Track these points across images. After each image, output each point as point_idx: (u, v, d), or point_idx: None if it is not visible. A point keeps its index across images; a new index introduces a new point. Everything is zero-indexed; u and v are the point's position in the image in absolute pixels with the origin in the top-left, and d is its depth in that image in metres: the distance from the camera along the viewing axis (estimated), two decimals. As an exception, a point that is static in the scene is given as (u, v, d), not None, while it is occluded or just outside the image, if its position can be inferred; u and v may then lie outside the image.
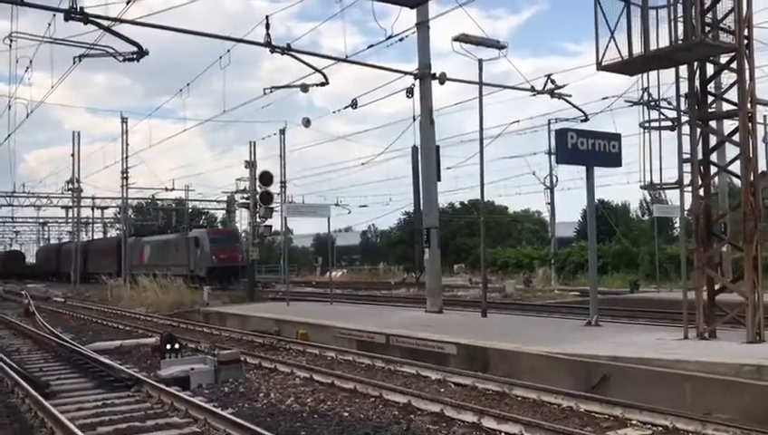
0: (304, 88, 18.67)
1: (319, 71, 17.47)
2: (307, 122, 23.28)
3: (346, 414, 8.72)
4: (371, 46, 17.11)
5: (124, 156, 40.48)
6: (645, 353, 9.69)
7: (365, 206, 33.25)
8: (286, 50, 16.72)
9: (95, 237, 64.40)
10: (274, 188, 29.85)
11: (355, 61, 17.82)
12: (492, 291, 22.86)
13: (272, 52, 16.59)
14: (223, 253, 38.71)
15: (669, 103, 18.30)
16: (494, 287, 30.30)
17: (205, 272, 37.67)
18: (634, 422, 7.76)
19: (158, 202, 57.37)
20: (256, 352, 13.88)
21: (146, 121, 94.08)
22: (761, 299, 10.48)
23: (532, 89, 20.09)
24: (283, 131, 38.32)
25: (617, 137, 13.85)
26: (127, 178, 41.27)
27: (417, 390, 9.84)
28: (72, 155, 43.77)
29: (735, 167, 11.06)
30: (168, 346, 12.08)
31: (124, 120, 40.34)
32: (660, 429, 7.48)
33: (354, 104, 19.58)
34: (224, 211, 55.42)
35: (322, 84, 17.74)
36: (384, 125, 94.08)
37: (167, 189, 48.93)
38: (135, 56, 15.39)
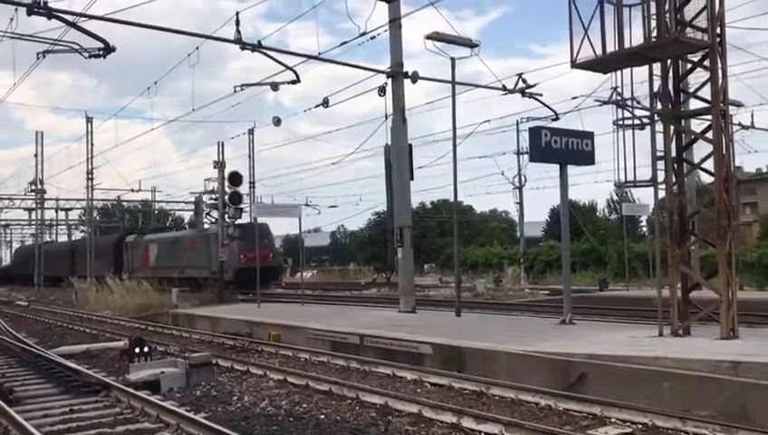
0: (275, 86, 18.42)
1: (290, 68, 17.25)
2: (277, 121, 23.00)
3: (322, 417, 8.54)
4: (344, 43, 16.97)
5: (89, 156, 39.63)
6: (621, 351, 9.68)
7: (335, 206, 33.05)
8: (257, 47, 16.48)
9: (81, 237, 58.87)
10: (243, 189, 29.50)
11: (327, 59, 17.67)
12: (463, 290, 22.82)
13: (242, 49, 16.34)
14: (252, 251, 31.86)
15: (639, 102, 18.50)
16: (464, 287, 30.30)
17: (231, 274, 32.05)
18: (613, 420, 7.72)
19: (124, 203, 56.37)
20: (228, 355, 13.62)
21: (112, 121, 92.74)
22: (734, 296, 10.55)
23: (504, 88, 20.12)
24: (251, 131, 37.95)
25: (590, 135, 13.90)
26: (92, 178, 40.41)
27: (394, 390, 9.71)
28: (36, 155, 42.82)
29: (708, 164, 11.12)
30: (137, 350, 11.75)
31: (89, 120, 39.52)
32: (640, 426, 7.45)
33: (326, 103, 19.39)
34: (191, 212, 54.67)
35: (294, 82, 17.52)
36: (354, 125, 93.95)
37: (133, 190, 48.11)
38: (101, 53, 15.00)
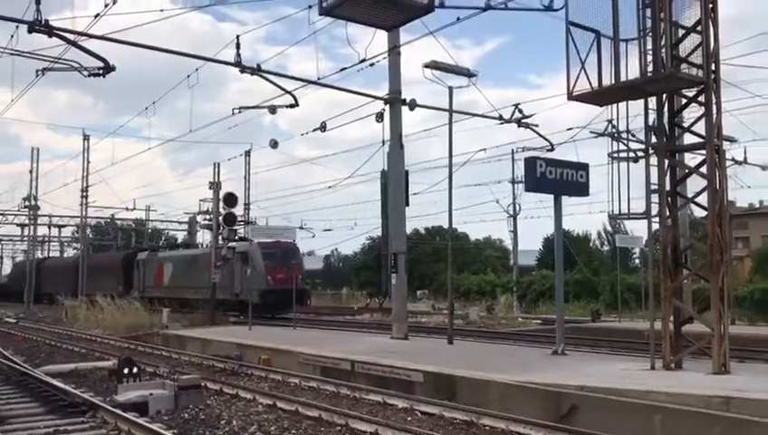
0: (273, 109, 18.51)
1: (289, 92, 17.34)
2: (274, 144, 23.06)
3: (311, 443, 8.46)
4: (344, 69, 17.02)
5: (84, 174, 39.66)
6: (613, 383, 9.65)
7: (329, 230, 32.87)
8: (256, 70, 16.57)
9: (93, 253, 55.51)
10: (238, 210, 29.45)
11: (326, 84, 17.73)
12: (456, 317, 22.75)
13: (242, 72, 16.42)
14: (280, 272, 30.28)
15: (633, 135, 18.64)
16: (457, 314, 30.20)
17: (257, 296, 29.19)
18: (604, 453, 7.67)
19: (118, 222, 56.24)
20: (217, 378, 13.51)
21: (108, 140, 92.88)
22: (726, 330, 10.55)
23: (501, 118, 20.25)
24: (248, 153, 38.03)
25: (585, 166, 13.96)
26: (86, 196, 40.40)
27: (384, 418, 9.62)
28: (30, 171, 42.73)
29: (702, 198, 11.19)
30: (126, 370, 11.63)
31: (86, 138, 39.62)
32: (631, 460, 7.40)
33: (323, 127, 19.46)
34: (185, 232, 54.56)
35: (292, 106, 17.60)
36: (350, 150, 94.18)
37: (127, 209, 48.04)
38: (101, 71, 15.05)
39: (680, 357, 11.17)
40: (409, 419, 9.84)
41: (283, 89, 17.35)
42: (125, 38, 15.30)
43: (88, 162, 39.76)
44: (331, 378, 12.87)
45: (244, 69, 16.37)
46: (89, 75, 15.07)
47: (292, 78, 18.25)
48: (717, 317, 10.47)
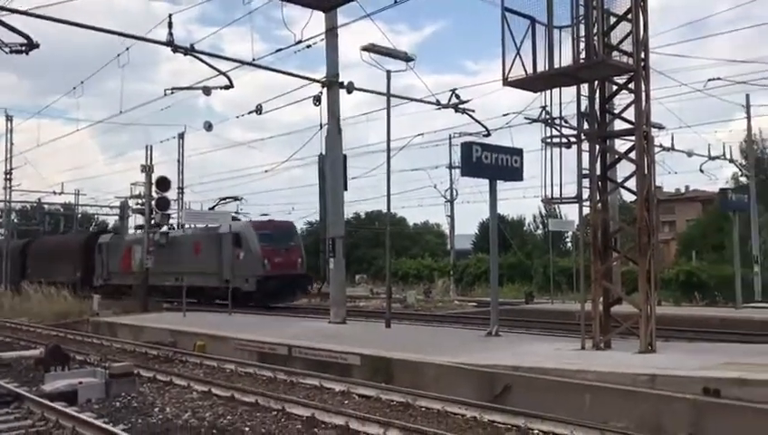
0: (207, 91, 18.08)
1: (223, 73, 16.98)
2: (209, 126, 22.58)
3: (247, 429, 8.40)
4: (279, 50, 16.80)
5: (8, 156, 38.05)
6: (545, 363, 9.89)
7: (266, 215, 32.33)
8: (189, 50, 16.15)
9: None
10: (172, 194, 28.74)
11: (262, 65, 17.46)
12: (393, 301, 22.91)
13: (174, 51, 15.98)
14: (278, 255, 27.14)
15: (566, 122, 19.03)
16: (395, 298, 30.43)
17: (253, 284, 26.84)
18: (536, 432, 7.86)
19: (45, 206, 54.25)
20: (151, 365, 13.24)
21: (33, 120, 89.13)
22: (653, 311, 10.94)
23: (438, 103, 20.35)
24: (182, 136, 37.13)
25: (519, 152, 14.20)
26: (10, 179, 38.79)
27: (321, 402, 9.64)
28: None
29: (631, 183, 11.53)
30: (54, 359, 11.28)
31: (9, 118, 37.97)
32: (562, 438, 7.60)
33: (259, 110, 19.16)
34: (116, 217, 53.08)
35: (227, 87, 17.24)
36: (287, 133, 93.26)
37: (55, 193, 46.32)
38: (23, 48, 14.39)
39: (609, 337, 11.54)
40: (346, 402, 9.88)
41: (217, 70, 16.98)
42: (50, 14, 14.62)
43: (11, 144, 38.19)
44: (268, 363, 12.78)
45: (176, 48, 15.94)
46: (10, 52, 14.38)
47: (227, 59, 17.89)
48: (645, 298, 10.84)
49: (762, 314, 23.26)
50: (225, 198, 32.03)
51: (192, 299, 26.93)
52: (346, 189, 18.38)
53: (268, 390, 10.57)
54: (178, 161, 37.86)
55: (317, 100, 17.91)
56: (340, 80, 17.93)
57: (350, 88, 18.16)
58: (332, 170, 17.86)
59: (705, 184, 49.86)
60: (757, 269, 31.48)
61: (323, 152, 18.29)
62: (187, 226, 31.46)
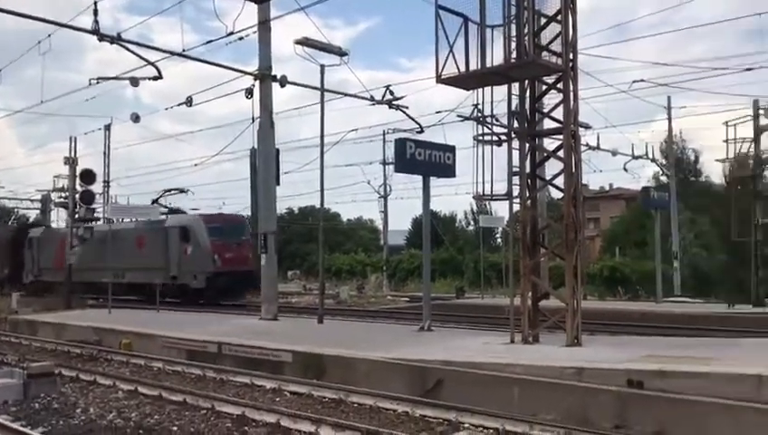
0: (134, 81, 17.56)
1: (152, 63, 16.51)
2: (136, 118, 21.90)
3: (175, 428, 8.20)
4: (210, 41, 16.46)
5: None
6: (475, 358, 10.03)
7: (196, 209, 31.44)
8: (116, 39, 15.63)
9: None
10: (97, 188, 27.68)
11: (192, 56, 17.05)
12: (326, 297, 22.81)
13: (100, 40, 15.44)
14: (229, 250, 25.47)
15: (497, 120, 19.36)
16: (328, 294, 30.32)
17: (203, 280, 25.43)
18: (467, 425, 7.95)
19: (-41, 199, 51.60)
20: (73, 364, 12.79)
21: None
22: (579, 305, 11.24)
23: (372, 98, 20.34)
24: (108, 127, 35.88)
25: (452, 149, 14.33)
26: None
27: (252, 400, 9.51)
28: None
29: (559, 181, 11.80)
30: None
31: None
32: (492, 431, 7.71)
33: (189, 101, 18.73)
34: (38, 211, 50.97)
35: (155, 78, 16.77)
36: (217, 126, 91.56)
37: (-31, 186, 44.04)
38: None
39: (537, 331, 11.80)
40: (278, 399, 9.78)
41: (145, 60, 16.50)
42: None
43: None
44: (198, 361, 12.53)
45: (102, 37, 15.41)
46: None
47: (156, 49, 17.40)
48: (571, 293, 11.13)
49: (681, 307, 24.28)
50: (169, 190, 30.50)
51: (136, 297, 25.90)
52: (278, 184, 18.21)
53: (197, 388, 10.37)
54: (104, 154, 36.51)
55: (249, 93, 17.64)
56: (273, 73, 17.72)
57: (284, 81, 17.96)
58: (265, 165, 17.64)
59: (629, 182, 51.60)
60: (677, 265, 32.81)
61: (255, 146, 18.04)
62: (128, 219, 29.54)
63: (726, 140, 24.58)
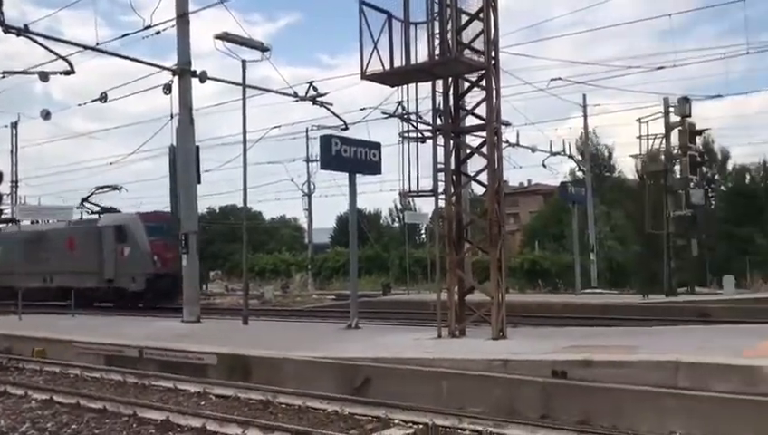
0: (44, 76, 16.75)
1: (63, 58, 15.79)
2: (46, 114, 20.87)
3: (95, 438, 7.85)
4: (126, 35, 15.88)
5: None
6: (404, 354, 10.04)
7: (113, 209, 29.99)
8: (23, 31, 14.87)
9: None
10: (4, 188, 26.33)
11: (107, 50, 16.42)
12: (250, 298, 22.43)
13: (5, 32, 14.67)
14: (170, 251, 23.30)
15: (421, 117, 19.54)
16: (252, 294, 29.85)
17: (142, 283, 24.24)
18: (397, 422, 7.93)
19: None
20: (-21, 375, 12.09)
21: None
22: (504, 298, 11.43)
23: (295, 94, 20.12)
24: (15, 124, 34.31)
25: (377, 145, 14.33)
26: None
27: (176, 404, 9.23)
28: None
29: (482, 177, 11.96)
30: None
31: None
32: (421, 426, 7.71)
33: (104, 98, 18.02)
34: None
35: (67, 73, 16.03)
36: (134, 123, 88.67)
37: None
38: None
39: (464, 325, 11.94)
40: (203, 403, 9.52)
41: (55, 54, 15.77)
42: None
43: None
44: (117, 366, 12.08)
45: (8, 29, 14.63)
46: None
47: (68, 42, 16.66)
48: (496, 286, 11.31)
49: (599, 298, 25.18)
50: (102, 187, 28.34)
51: (65, 302, 23.41)
52: (199, 182, 17.78)
53: (117, 394, 9.99)
54: (11, 152, 35.02)
55: (167, 88, 17.13)
56: (193, 68, 17.26)
57: (203, 77, 17.52)
58: (184, 163, 17.18)
59: (547, 178, 53.12)
60: (593, 257, 34.01)
61: (174, 144, 17.54)
62: (54, 220, 27.50)
63: (639, 137, 25.65)
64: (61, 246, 26.52)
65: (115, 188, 29.01)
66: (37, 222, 27.80)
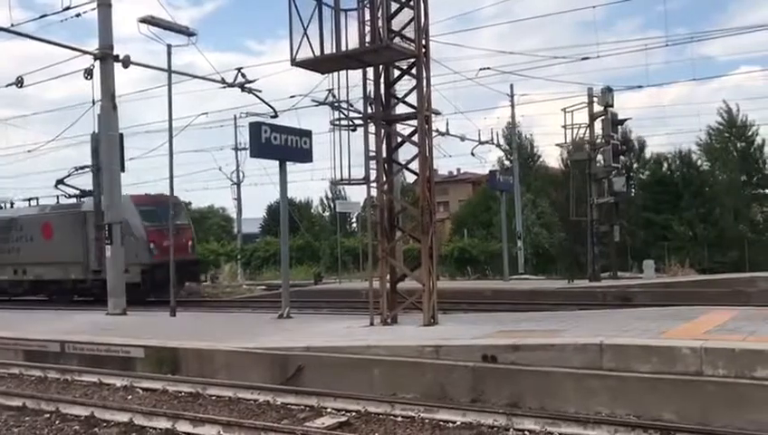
0: (-46, 59, 15.89)
1: (-26, 39, 14.99)
2: (-43, 100, 19.86)
3: (14, 436, 7.54)
4: (44, 16, 15.24)
5: None
6: (336, 342, 10.03)
7: (34, 198, 28.28)
8: (-70, 10, 14.01)
9: None
10: None
11: (22, 32, 15.65)
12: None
13: None
14: (167, 238, 20.22)
15: (352, 105, 19.50)
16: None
17: (137, 274, 21.55)
18: (329, 410, 7.94)
19: None
20: None
21: None
22: (435, 285, 11.55)
23: (223, 81, 19.74)
24: (-77, 110, 32.32)
25: (308, 133, 14.21)
26: None
27: (101, 400, 8.96)
28: None
29: (413, 165, 12.03)
30: None
31: None
32: (354, 414, 7.75)
33: (20, 82, 17.21)
34: None
35: (-21, 56, 15.25)
36: (54, 110, 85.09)
37: None
38: None
39: (396, 312, 12.01)
40: (130, 397, 9.27)
41: (-34, 35, 14.95)
42: None
43: None
44: (38, 362, 11.61)
45: None
46: None
47: (-22, 23, 15.80)
48: (427, 274, 11.41)
49: (526, 284, 25.80)
50: (82, 167, 24.15)
51: (43, 296, 22.23)
52: (123, 171, 17.25)
53: (38, 391, 9.63)
54: None
55: (88, 73, 16.52)
56: (116, 53, 16.68)
57: (126, 62, 16.95)
58: (108, 151, 16.62)
59: (475, 167, 54.01)
60: (520, 244, 34.78)
61: (97, 131, 16.93)
62: (27, 203, 25.14)
63: (564, 126, 26.31)
64: (35, 234, 23.98)
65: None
66: (1, 207, 25.22)
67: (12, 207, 26.72)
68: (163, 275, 21.10)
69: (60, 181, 24.40)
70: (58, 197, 24.58)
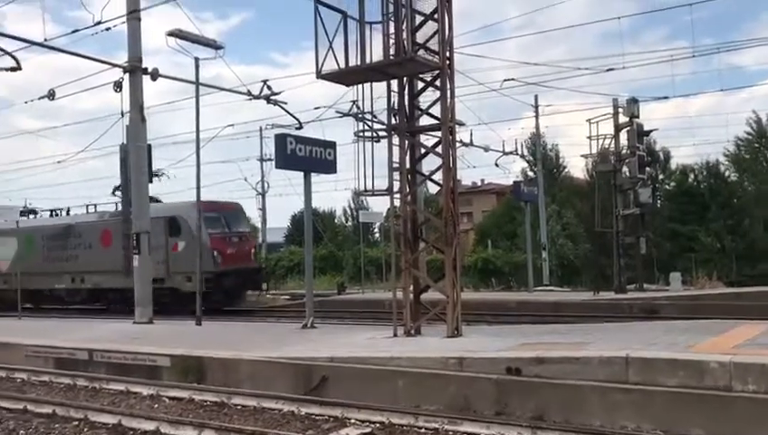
0: (-10, 72, 16.25)
1: (9, 53, 15.35)
2: (-9, 112, 20.31)
3: (44, 444, 7.66)
4: (75, 31, 15.51)
5: None
6: (360, 353, 10.05)
7: (61, 209, 28.60)
8: (-34, 25, 14.38)
9: None
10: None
11: (55, 47, 16.01)
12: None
13: (-53, 25, 14.15)
14: (231, 246, 21.25)
15: (376, 116, 19.61)
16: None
17: (201, 283, 19.51)
18: (353, 421, 7.96)
19: None
20: None
21: None
22: (459, 297, 11.54)
23: (249, 93, 19.93)
24: (-42, 122, 33.05)
25: (332, 145, 14.31)
26: None
27: (129, 408, 9.07)
28: None
29: (437, 176, 12.06)
30: None
31: None
32: (378, 425, 7.76)
33: (52, 95, 17.56)
34: None
35: (13, 69, 15.59)
36: (83, 121, 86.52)
37: None
38: None
39: (419, 324, 12.02)
40: (156, 405, 9.37)
41: (2, 49, 15.31)
42: None
43: None
44: (67, 370, 11.80)
45: (-51, 22, 14.13)
46: None
47: (14, 37, 16.20)
48: (451, 285, 11.40)
49: (551, 296, 25.62)
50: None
51: (101, 305, 21.74)
52: (151, 182, 17.50)
53: (67, 398, 9.76)
54: (-46, 150, 33.72)
55: (118, 86, 16.81)
56: (144, 66, 16.97)
57: (155, 74, 17.24)
58: (136, 162, 16.87)
59: (499, 178, 53.81)
60: (545, 255, 34.56)
61: (125, 142, 17.21)
62: (85, 210, 24.59)
63: (590, 137, 26.16)
64: (93, 242, 23.60)
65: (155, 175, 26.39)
66: (58, 214, 24.93)
67: (68, 213, 26.17)
68: (229, 284, 21.23)
69: (117, 188, 23.57)
70: (116, 204, 23.89)
